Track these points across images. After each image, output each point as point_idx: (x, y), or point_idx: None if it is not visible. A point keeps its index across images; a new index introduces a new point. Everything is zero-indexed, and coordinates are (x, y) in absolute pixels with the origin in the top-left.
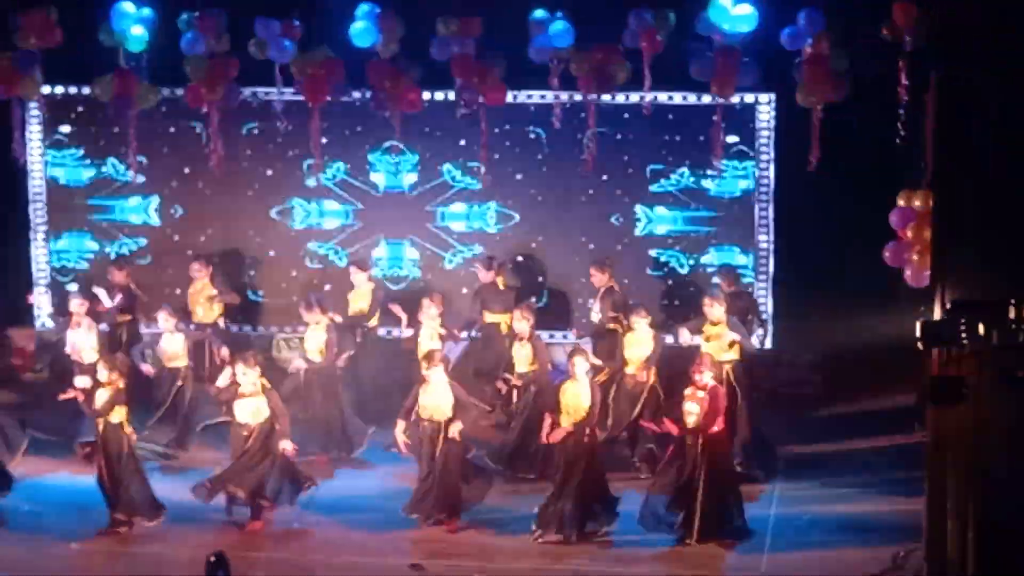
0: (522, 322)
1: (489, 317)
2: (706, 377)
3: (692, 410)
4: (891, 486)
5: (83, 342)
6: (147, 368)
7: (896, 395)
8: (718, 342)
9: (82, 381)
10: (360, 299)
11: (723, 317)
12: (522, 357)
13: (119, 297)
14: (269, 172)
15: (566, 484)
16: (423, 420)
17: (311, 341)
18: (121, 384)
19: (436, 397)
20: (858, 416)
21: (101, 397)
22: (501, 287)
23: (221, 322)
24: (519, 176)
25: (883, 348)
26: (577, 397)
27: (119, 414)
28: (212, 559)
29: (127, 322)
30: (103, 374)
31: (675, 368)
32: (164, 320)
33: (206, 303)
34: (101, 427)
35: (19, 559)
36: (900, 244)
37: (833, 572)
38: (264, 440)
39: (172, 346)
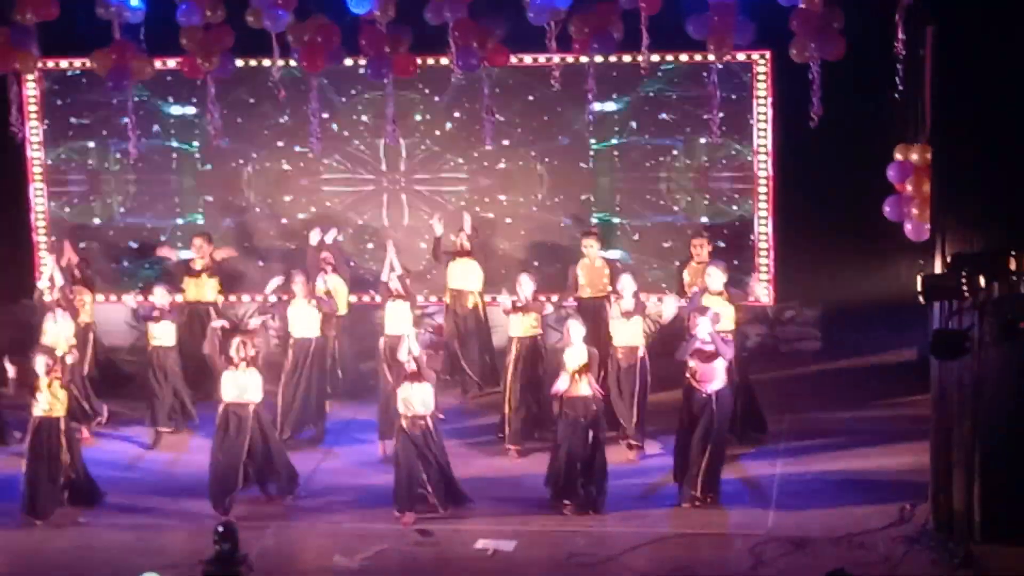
0: (527, 286)
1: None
2: (704, 330)
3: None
4: (896, 441)
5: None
6: None
7: (899, 349)
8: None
9: None
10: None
11: (722, 286)
12: (523, 323)
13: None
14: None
15: (575, 457)
16: (405, 417)
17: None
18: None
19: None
20: (861, 371)
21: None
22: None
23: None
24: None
25: (885, 302)
26: (575, 360)
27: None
28: (220, 529)
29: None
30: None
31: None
32: (161, 296)
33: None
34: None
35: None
36: (899, 199)
37: (839, 528)
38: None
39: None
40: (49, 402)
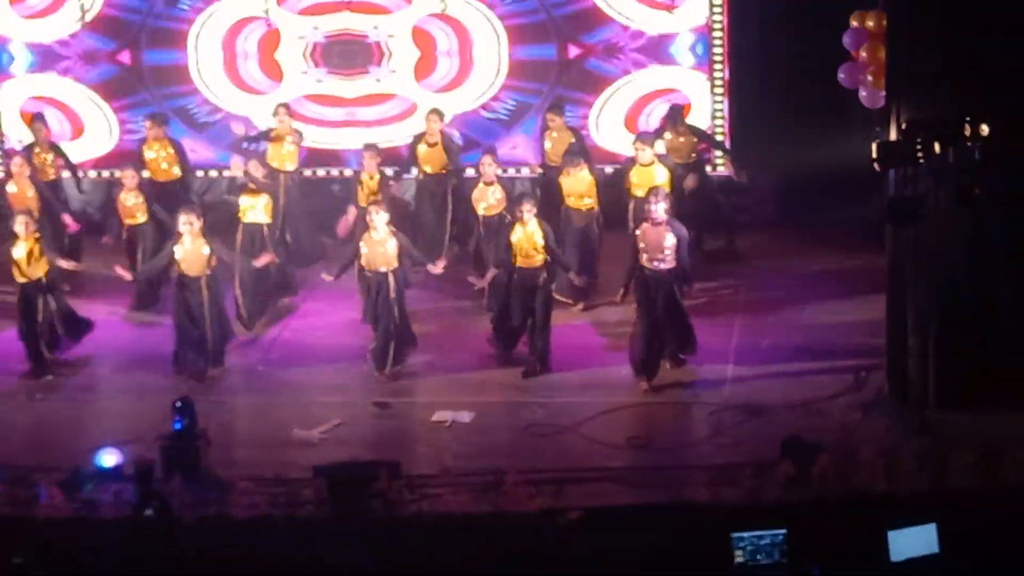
0: (491, 166)
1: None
2: (661, 210)
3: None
4: (851, 308)
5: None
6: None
7: (854, 217)
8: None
9: None
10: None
11: (652, 159)
12: (490, 199)
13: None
14: None
15: (535, 324)
16: (366, 270)
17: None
18: None
19: (379, 246)
20: (817, 238)
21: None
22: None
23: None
24: None
25: (840, 170)
26: (530, 238)
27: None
28: (177, 404)
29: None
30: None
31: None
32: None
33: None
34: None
35: None
36: (854, 65)
37: (795, 395)
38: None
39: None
40: (32, 263)
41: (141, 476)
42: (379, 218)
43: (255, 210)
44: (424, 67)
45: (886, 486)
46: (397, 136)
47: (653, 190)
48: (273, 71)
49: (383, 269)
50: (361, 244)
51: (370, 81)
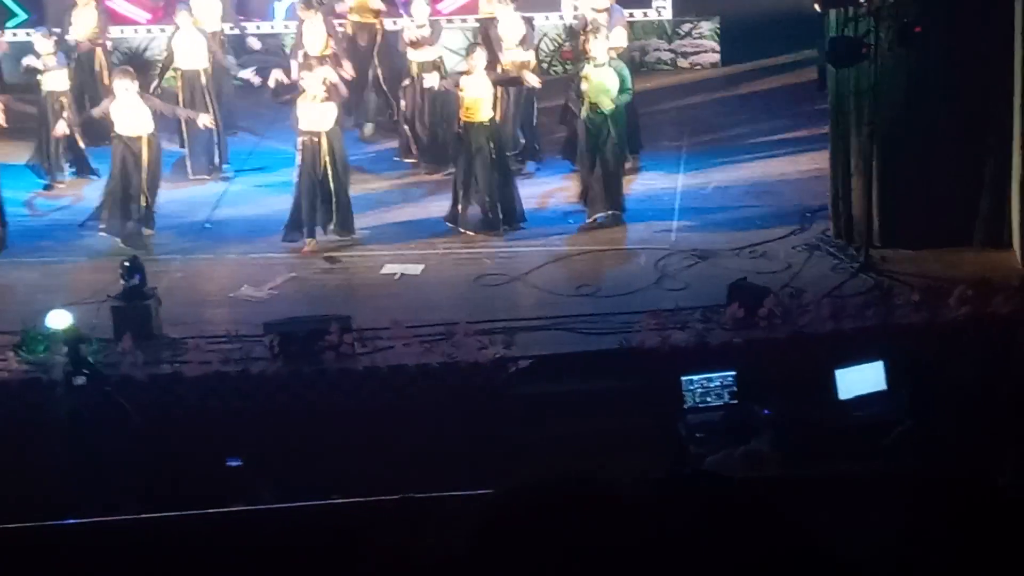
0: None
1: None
2: (600, 48)
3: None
4: (795, 151)
5: None
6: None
7: (796, 61)
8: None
9: None
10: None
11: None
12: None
13: None
14: None
15: (479, 177)
16: (303, 135)
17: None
18: None
19: (313, 107)
20: (759, 83)
21: None
22: None
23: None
24: None
25: (782, 12)
26: (477, 89)
27: None
28: (126, 264)
29: None
30: None
31: None
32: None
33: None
34: None
35: None
36: None
37: (742, 239)
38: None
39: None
40: None
41: (70, 345)
42: (312, 77)
43: (191, 55)
44: None
45: (832, 325)
46: None
47: (592, 24)
48: None
49: (318, 130)
50: (296, 108)
51: None
